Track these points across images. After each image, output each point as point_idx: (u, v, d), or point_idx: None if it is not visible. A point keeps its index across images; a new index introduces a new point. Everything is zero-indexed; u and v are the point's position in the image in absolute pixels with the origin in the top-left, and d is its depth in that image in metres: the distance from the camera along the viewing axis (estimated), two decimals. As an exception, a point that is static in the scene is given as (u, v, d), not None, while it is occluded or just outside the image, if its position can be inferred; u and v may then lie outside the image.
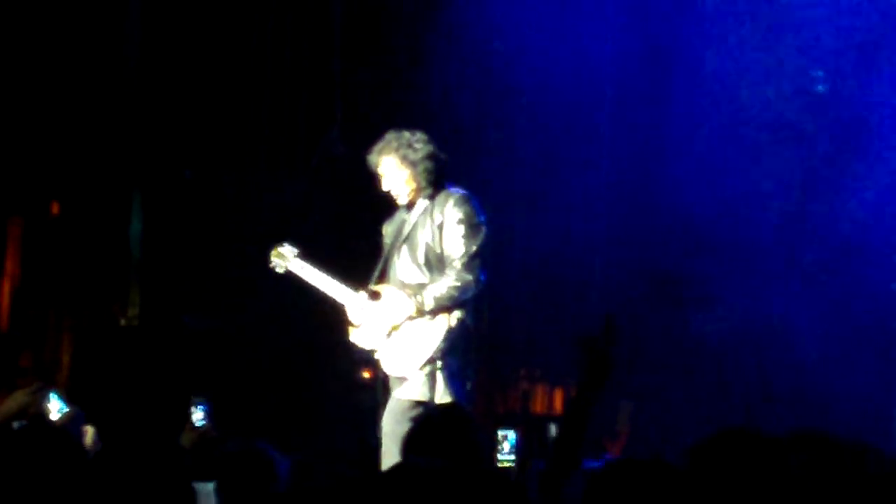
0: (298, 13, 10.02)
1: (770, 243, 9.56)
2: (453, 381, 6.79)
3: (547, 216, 9.99)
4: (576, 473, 3.85)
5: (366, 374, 8.16)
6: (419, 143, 7.02)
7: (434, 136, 7.23)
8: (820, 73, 9.54)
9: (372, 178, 7.14)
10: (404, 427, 5.04)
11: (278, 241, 7.43)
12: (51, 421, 5.46)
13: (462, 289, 6.85)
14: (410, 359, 6.85)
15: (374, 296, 7.06)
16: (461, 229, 6.90)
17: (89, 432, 5.65)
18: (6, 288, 9.78)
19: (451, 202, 6.95)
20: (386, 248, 7.16)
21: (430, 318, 6.87)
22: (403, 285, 6.99)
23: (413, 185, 7.03)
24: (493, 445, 7.35)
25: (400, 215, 7.16)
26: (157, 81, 9.78)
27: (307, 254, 7.37)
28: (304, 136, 10.05)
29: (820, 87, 9.55)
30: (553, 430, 8.35)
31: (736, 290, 9.46)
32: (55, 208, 9.90)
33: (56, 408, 5.50)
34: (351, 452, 8.49)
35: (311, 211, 9.96)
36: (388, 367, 6.98)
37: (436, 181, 7.01)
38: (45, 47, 9.50)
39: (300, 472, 5.23)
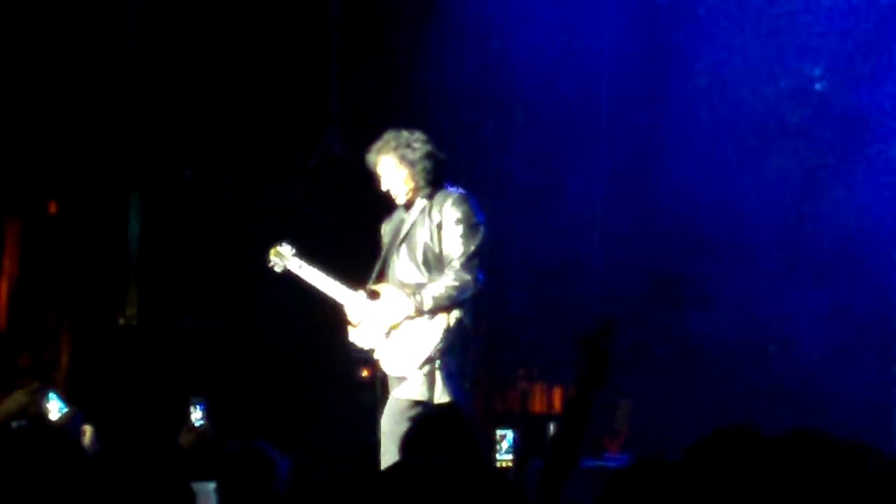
0: (297, 13, 10.01)
1: (770, 243, 9.56)
2: (452, 380, 6.78)
3: (545, 215, 9.98)
4: (575, 472, 3.84)
5: (364, 374, 8.16)
6: (418, 143, 7.02)
7: (432, 136, 7.22)
8: (818, 72, 9.54)
9: (370, 178, 7.14)
10: (403, 427, 5.03)
11: (277, 240, 7.43)
12: (50, 421, 5.46)
13: (461, 289, 6.85)
14: (409, 358, 6.85)
15: (373, 295, 7.05)
16: (460, 229, 6.90)
17: (87, 432, 5.65)
18: (4, 288, 9.77)
19: (449, 202, 6.95)
20: (384, 247, 7.15)
21: (429, 318, 6.86)
22: (402, 285, 6.98)
23: (411, 185, 7.02)
24: (492, 445, 7.35)
25: (398, 215, 7.15)
26: (156, 81, 9.77)
27: (306, 253, 7.36)
28: (303, 136, 10.04)
29: (818, 86, 9.54)
30: (552, 429, 8.33)
31: (735, 289, 9.45)
32: (53, 208, 9.89)
33: (55, 408, 5.49)
34: (350, 452, 8.49)
35: (310, 210, 9.95)
36: (386, 366, 6.98)
37: (434, 181, 7.01)
38: (43, 47, 9.49)
39: (300, 471, 5.22)
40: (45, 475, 3.51)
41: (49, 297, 9.81)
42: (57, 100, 9.55)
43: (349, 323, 7.09)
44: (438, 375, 6.75)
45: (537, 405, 10.16)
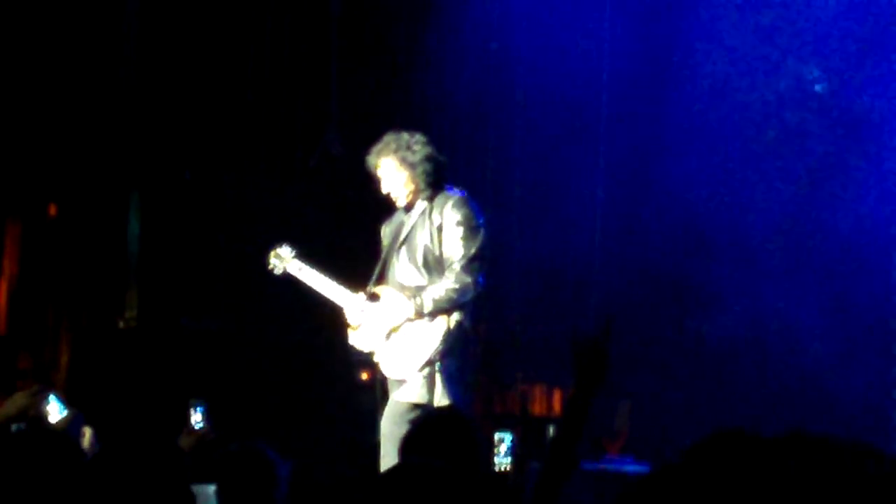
0: (297, 13, 10.01)
1: (770, 244, 9.55)
2: (452, 383, 6.78)
3: (545, 217, 9.98)
4: (575, 474, 3.84)
5: (364, 376, 8.16)
6: (418, 145, 7.01)
7: (432, 137, 7.22)
8: (817, 74, 9.54)
9: (370, 178, 7.14)
10: (403, 429, 5.04)
11: (277, 241, 7.43)
12: (50, 423, 5.45)
13: (461, 291, 6.85)
14: (409, 361, 6.85)
15: (373, 297, 7.05)
16: (460, 231, 6.89)
17: (87, 434, 5.64)
18: (4, 290, 9.77)
19: (449, 204, 6.95)
20: (384, 249, 7.15)
21: (429, 321, 6.86)
22: (402, 287, 6.98)
23: (412, 187, 7.02)
24: (492, 447, 7.34)
25: (398, 217, 7.15)
26: (155, 83, 9.77)
27: (305, 254, 7.36)
28: (303, 136, 10.04)
29: (818, 88, 9.54)
30: (551, 431, 8.33)
31: (735, 290, 9.45)
32: (53, 210, 9.89)
33: (55, 410, 5.49)
34: (349, 454, 8.49)
35: (310, 211, 9.95)
36: (386, 369, 6.97)
37: (434, 183, 7.01)
38: (42, 49, 9.49)
39: (300, 474, 5.22)
40: (44, 478, 3.51)
41: (49, 299, 9.81)
42: (57, 101, 9.55)
43: (349, 325, 7.09)
44: (438, 378, 6.75)
45: (537, 407, 10.16)
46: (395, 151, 7.00)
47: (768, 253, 9.55)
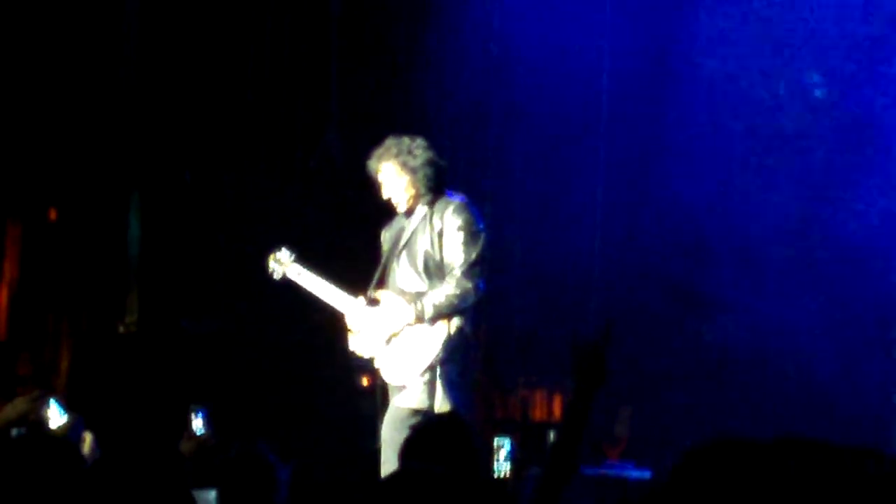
0: (297, 13, 10.01)
1: (771, 248, 9.55)
2: (452, 389, 6.77)
3: (546, 221, 9.98)
4: (575, 479, 3.84)
5: (365, 382, 8.15)
6: (419, 150, 7.00)
7: (431, 136, 7.22)
8: (818, 78, 9.54)
9: (370, 181, 7.13)
10: (403, 435, 5.03)
11: (277, 243, 7.42)
12: (50, 429, 5.45)
13: (462, 297, 6.84)
14: (409, 367, 6.84)
15: (373, 302, 7.04)
16: (461, 237, 6.89)
17: (88, 440, 5.64)
18: (4, 294, 9.76)
19: (450, 209, 6.94)
20: (384, 254, 7.14)
21: (430, 326, 6.85)
22: (402, 292, 6.97)
23: (412, 192, 7.01)
24: (492, 453, 7.34)
25: (399, 222, 7.14)
26: (155, 85, 9.77)
27: (305, 257, 7.35)
28: (303, 137, 10.04)
29: (818, 93, 9.55)
30: (552, 436, 8.33)
31: (736, 295, 9.45)
32: (53, 214, 9.88)
33: (56, 415, 5.49)
34: (350, 460, 8.48)
35: (310, 212, 9.95)
36: (387, 374, 6.96)
37: (435, 188, 7.00)
38: (42, 51, 9.49)
39: (300, 478, 5.23)
40: (44, 483, 3.51)
41: (49, 304, 9.81)
42: (56, 105, 9.54)
43: (349, 330, 7.08)
44: (439, 384, 6.74)
45: (538, 412, 10.16)
46: (397, 156, 6.99)
47: (769, 257, 9.56)
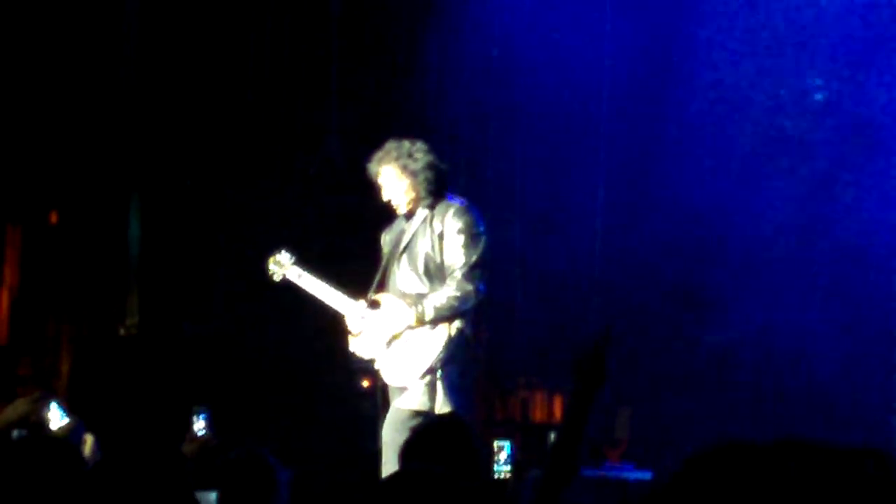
0: (297, 13, 10.01)
1: (774, 249, 9.55)
2: (453, 390, 6.77)
3: (546, 221, 9.97)
4: (576, 481, 3.84)
5: (365, 383, 8.16)
6: (419, 153, 7.00)
7: (431, 138, 7.22)
8: (819, 82, 9.54)
9: (370, 183, 7.13)
10: (404, 436, 5.02)
11: (277, 245, 7.41)
12: (51, 430, 5.46)
13: (462, 299, 6.84)
14: (410, 369, 6.84)
15: (374, 305, 7.04)
16: (461, 239, 6.89)
17: (88, 442, 5.64)
18: (5, 297, 9.77)
19: (451, 212, 6.94)
20: (385, 257, 7.14)
21: (430, 328, 6.85)
22: (403, 295, 6.97)
23: (413, 195, 7.01)
24: (492, 455, 7.34)
25: (399, 224, 7.14)
26: (155, 89, 9.77)
27: (305, 259, 7.35)
28: (303, 139, 10.04)
29: (819, 96, 9.55)
30: (552, 438, 8.33)
31: (737, 298, 9.44)
32: (54, 217, 9.89)
33: (57, 417, 5.49)
34: (350, 461, 8.48)
35: (310, 213, 9.94)
36: (387, 376, 6.97)
37: (436, 191, 7.00)
38: (42, 54, 9.49)
39: (301, 480, 5.23)
40: (45, 485, 3.51)
41: (50, 307, 9.81)
42: (57, 108, 9.55)
43: (350, 333, 7.08)
44: (440, 385, 6.74)
45: (538, 414, 10.16)
46: (397, 159, 6.99)
47: (771, 259, 9.55)
